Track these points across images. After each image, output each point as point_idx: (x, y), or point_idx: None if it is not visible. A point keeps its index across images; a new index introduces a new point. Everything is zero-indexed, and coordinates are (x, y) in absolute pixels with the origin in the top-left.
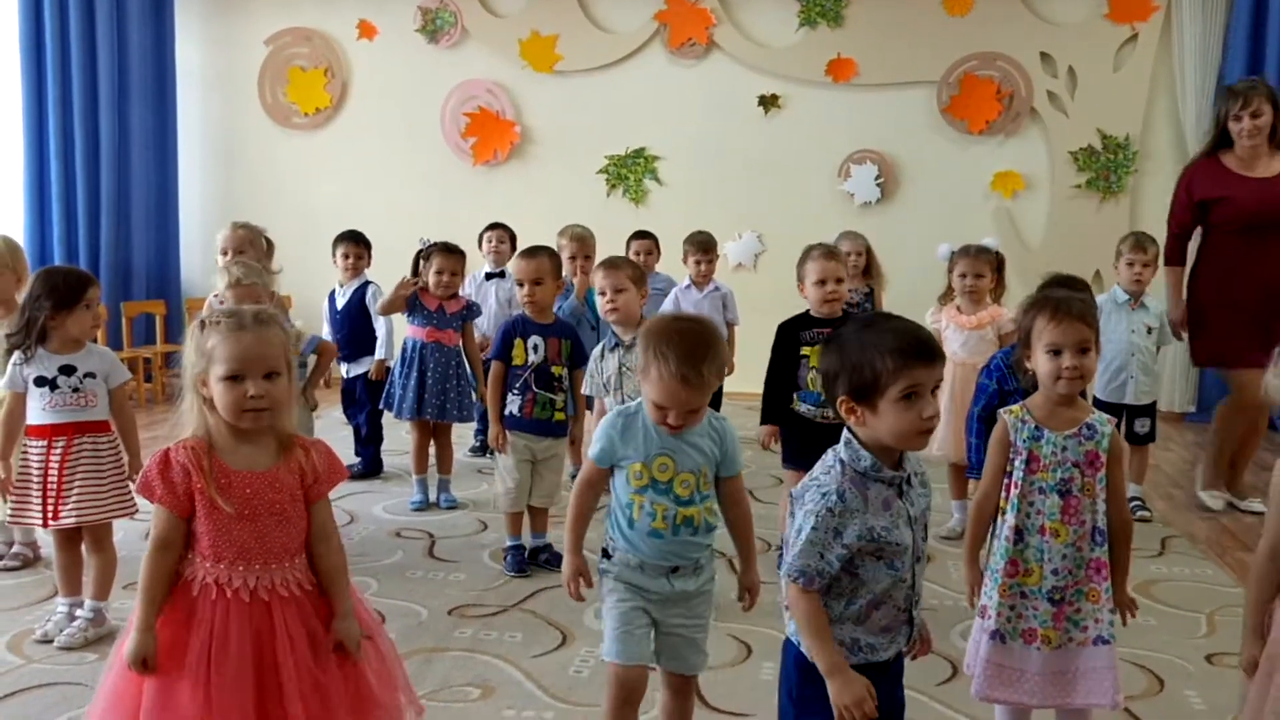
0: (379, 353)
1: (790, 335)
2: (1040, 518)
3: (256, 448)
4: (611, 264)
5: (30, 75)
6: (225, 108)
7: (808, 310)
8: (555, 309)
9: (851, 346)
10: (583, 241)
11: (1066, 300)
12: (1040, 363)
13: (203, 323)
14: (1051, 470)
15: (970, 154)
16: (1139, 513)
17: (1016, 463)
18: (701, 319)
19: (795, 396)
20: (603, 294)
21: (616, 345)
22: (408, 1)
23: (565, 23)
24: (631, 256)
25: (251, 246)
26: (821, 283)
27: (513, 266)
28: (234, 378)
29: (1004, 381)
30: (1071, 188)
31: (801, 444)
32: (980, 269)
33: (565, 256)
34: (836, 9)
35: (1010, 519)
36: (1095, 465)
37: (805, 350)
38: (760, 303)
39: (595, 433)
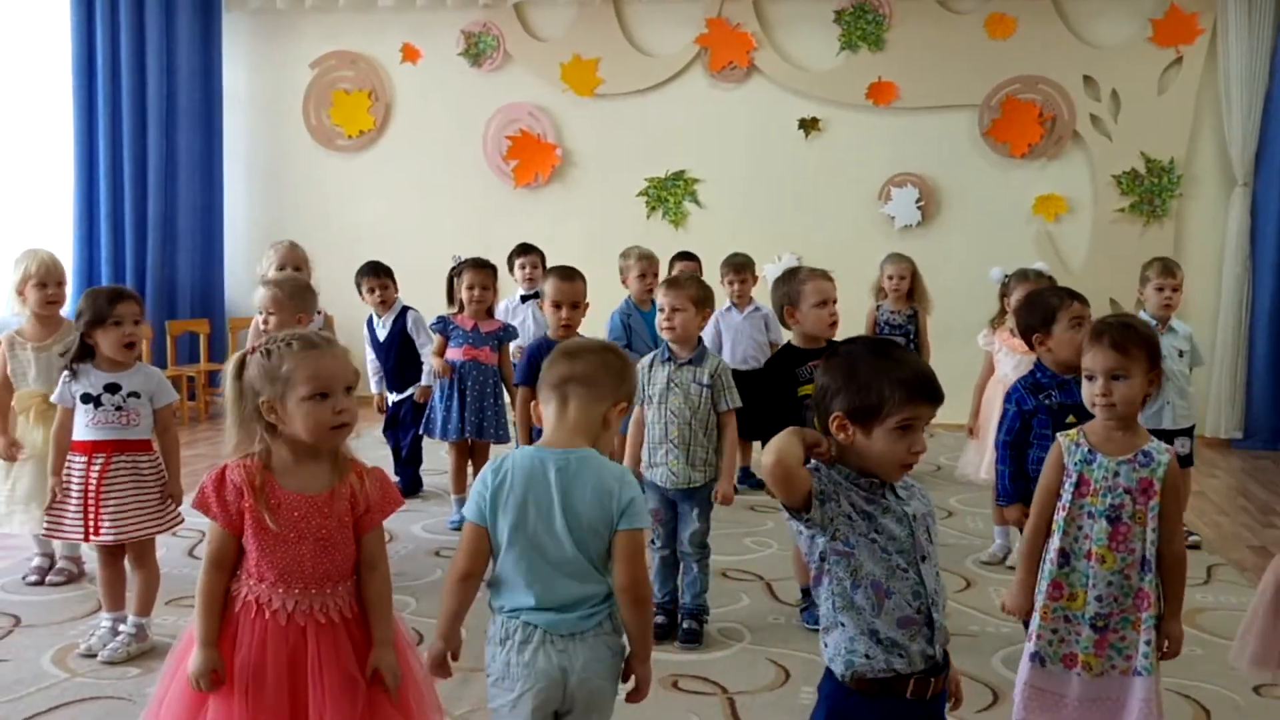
0: (425, 378)
1: (784, 374)
2: (1087, 542)
3: (312, 471)
4: (674, 283)
5: (81, 99)
6: (270, 130)
7: (789, 343)
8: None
9: (862, 368)
10: (651, 260)
11: (1106, 327)
12: (1084, 386)
13: (266, 350)
14: (1101, 495)
15: (1012, 177)
16: (1190, 538)
17: (1066, 485)
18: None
19: None
20: (662, 310)
21: (669, 359)
22: (451, 25)
23: (607, 46)
24: None
25: (306, 265)
26: (823, 304)
27: (548, 286)
28: (319, 395)
29: (1023, 402)
30: (1115, 211)
31: None
32: None
33: (634, 275)
34: (878, 33)
35: (1057, 541)
36: (1149, 493)
37: (805, 389)
38: None
39: None
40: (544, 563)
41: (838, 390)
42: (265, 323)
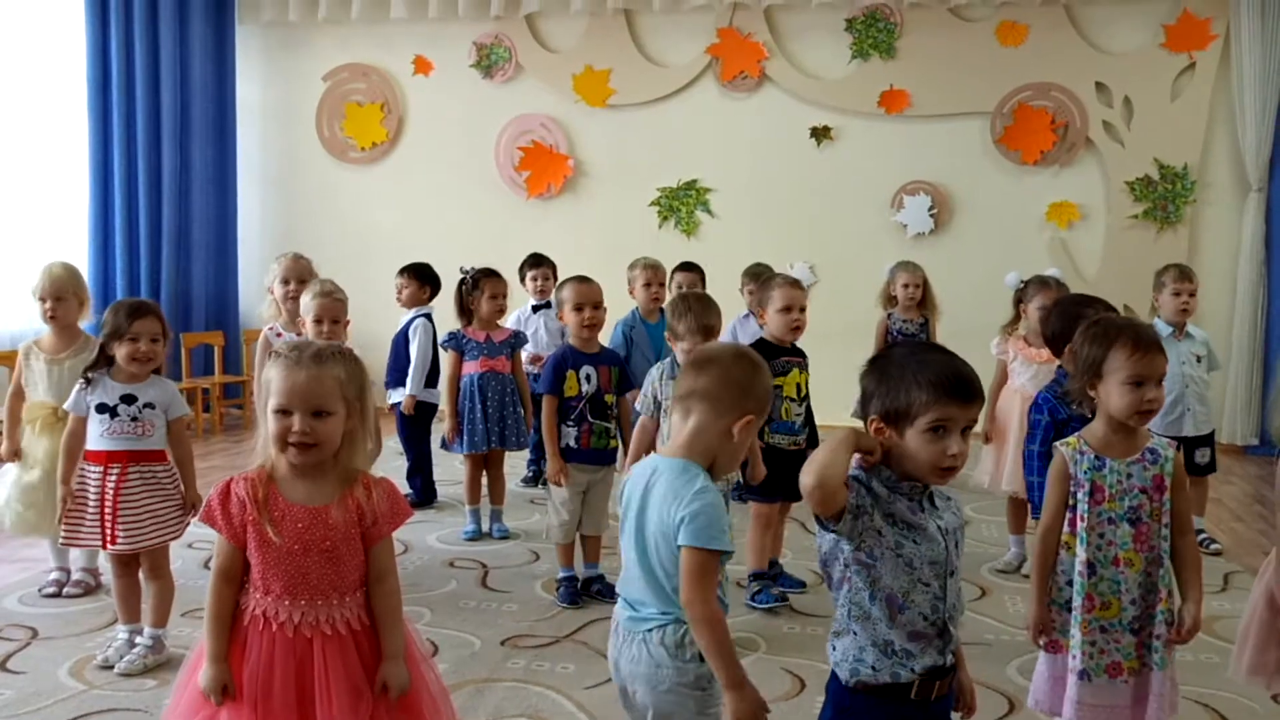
0: (409, 387)
1: None
2: (1113, 549)
3: (316, 483)
4: (708, 305)
5: (96, 111)
6: (284, 142)
7: (761, 339)
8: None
9: (894, 369)
10: (656, 269)
11: (1147, 331)
12: (1116, 395)
13: (271, 354)
14: (1119, 499)
15: (1024, 184)
16: (1211, 546)
17: (1079, 495)
18: None
19: (767, 429)
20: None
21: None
22: (463, 37)
23: (618, 57)
24: (674, 289)
25: (311, 276)
26: (787, 309)
27: (567, 292)
28: (282, 411)
29: (1055, 412)
30: (1128, 218)
31: (774, 477)
32: None
33: (640, 284)
34: (889, 41)
35: (1081, 554)
36: (1161, 489)
37: (777, 380)
38: (813, 333)
39: None
40: (627, 559)
41: (873, 394)
42: (329, 329)
